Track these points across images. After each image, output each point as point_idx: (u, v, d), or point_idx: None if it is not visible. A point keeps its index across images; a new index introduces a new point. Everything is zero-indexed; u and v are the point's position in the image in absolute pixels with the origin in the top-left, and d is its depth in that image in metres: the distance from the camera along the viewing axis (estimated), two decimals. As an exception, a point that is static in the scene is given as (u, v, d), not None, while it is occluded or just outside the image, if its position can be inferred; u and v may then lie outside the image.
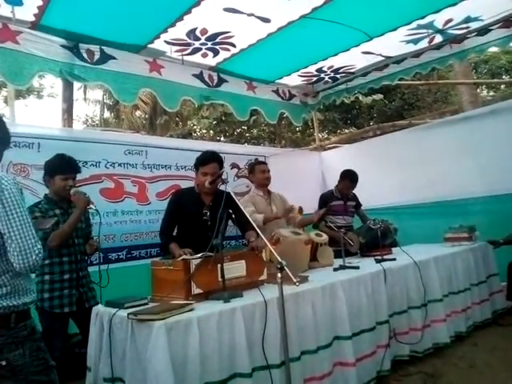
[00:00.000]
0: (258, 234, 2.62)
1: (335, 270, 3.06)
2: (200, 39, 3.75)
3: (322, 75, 5.01)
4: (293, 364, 2.18)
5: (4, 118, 1.78)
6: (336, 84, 5.31)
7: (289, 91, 5.32)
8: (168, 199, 3.44)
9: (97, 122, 17.01)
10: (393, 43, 4.21)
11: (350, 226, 4.27)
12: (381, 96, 10.74)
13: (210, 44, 3.86)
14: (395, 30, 3.89)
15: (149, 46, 3.77)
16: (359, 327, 2.69)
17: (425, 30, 4.02)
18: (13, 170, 3.28)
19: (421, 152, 4.93)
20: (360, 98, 9.20)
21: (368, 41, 4.06)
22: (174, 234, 3.15)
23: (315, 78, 5.13)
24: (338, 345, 2.55)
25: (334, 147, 6.87)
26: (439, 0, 3.51)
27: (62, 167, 2.70)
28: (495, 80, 12.92)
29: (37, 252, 1.53)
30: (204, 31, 3.61)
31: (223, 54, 4.10)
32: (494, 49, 7.20)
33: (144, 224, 4.05)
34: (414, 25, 3.86)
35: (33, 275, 1.79)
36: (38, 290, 2.49)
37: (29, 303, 1.60)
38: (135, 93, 3.89)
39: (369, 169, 4.72)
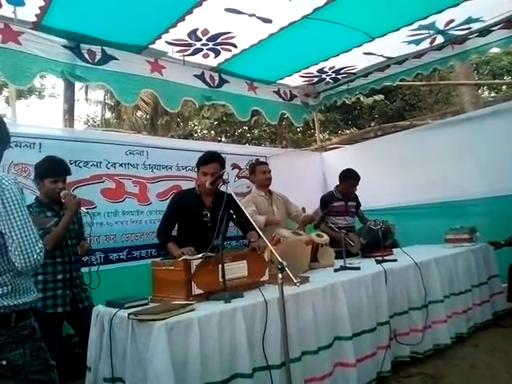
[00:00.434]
0: (259, 234, 2.63)
1: (336, 270, 3.05)
2: (201, 40, 3.75)
3: (324, 76, 5.02)
4: (293, 364, 2.17)
5: (5, 119, 1.78)
6: (337, 85, 5.32)
7: (290, 92, 5.32)
8: (169, 199, 3.44)
9: (98, 123, 17.02)
10: (394, 44, 4.21)
11: (352, 227, 4.26)
12: (382, 97, 10.73)
13: (211, 44, 3.86)
14: (397, 30, 3.89)
15: (150, 46, 3.77)
16: (360, 328, 2.69)
17: (426, 31, 4.02)
18: (14, 169, 3.29)
19: (422, 153, 4.93)
20: (361, 98, 9.20)
21: (369, 41, 4.06)
22: (174, 234, 3.15)
23: (316, 79, 5.13)
24: (338, 345, 2.54)
25: (335, 148, 6.87)
26: (441, 1, 3.51)
27: (51, 170, 2.69)
28: (496, 81, 12.89)
29: (38, 251, 1.54)
30: (205, 32, 3.62)
31: (224, 55, 4.11)
32: (495, 50, 7.19)
33: (145, 224, 4.06)
34: (415, 25, 3.86)
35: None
36: None
37: (29, 303, 1.60)
38: (136, 93, 3.90)
39: (370, 169, 4.71)
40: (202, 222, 3.00)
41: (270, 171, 3.99)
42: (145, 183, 4.12)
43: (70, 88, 9.94)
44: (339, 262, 3.22)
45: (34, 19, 3.16)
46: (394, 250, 3.67)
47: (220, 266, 2.28)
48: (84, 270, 2.86)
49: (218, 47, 3.93)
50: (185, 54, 4.00)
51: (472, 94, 8.94)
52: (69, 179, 2.85)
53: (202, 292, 2.26)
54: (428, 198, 4.79)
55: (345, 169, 4.32)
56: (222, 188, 3.00)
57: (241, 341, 2.07)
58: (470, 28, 4.08)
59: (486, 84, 12.88)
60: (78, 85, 11.31)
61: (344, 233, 3.49)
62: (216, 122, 12.74)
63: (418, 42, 4.28)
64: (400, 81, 5.03)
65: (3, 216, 1.50)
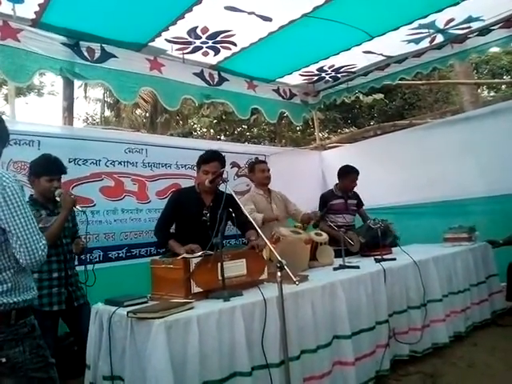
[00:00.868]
0: (258, 233, 2.63)
1: (335, 269, 3.06)
2: (201, 38, 3.74)
3: (323, 74, 5.01)
4: (292, 363, 2.18)
5: (4, 116, 1.78)
6: (337, 83, 5.31)
7: (289, 90, 5.31)
8: (168, 197, 3.44)
9: (97, 121, 17.00)
10: (394, 43, 4.21)
11: (351, 225, 4.26)
12: (381, 96, 10.74)
13: (210, 42, 3.85)
14: (396, 29, 3.88)
15: (150, 44, 3.76)
16: (359, 327, 2.69)
17: (426, 30, 4.02)
18: (13, 167, 3.28)
19: (421, 152, 4.93)
20: (361, 97, 9.21)
21: (369, 40, 4.05)
22: (172, 231, 3.15)
23: (316, 77, 5.12)
24: (337, 344, 2.55)
25: (334, 147, 6.87)
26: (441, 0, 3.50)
27: (47, 168, 2.67)
28: (496, 80, 12.91)
29: (42, 247, 1.55)
30: (205, 30, 3.61)
31: (224, 53, 4.10)
32: (495, 49, 7.18)
33: (144, 222, 4.05)
34: (415, 24, 3.85)
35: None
36: None
37: (29, 300, 1.60)
38: (135, 91, 3.89)
39: (369, 168, 4.71)
40: (201, 220, 3.00)
41: (268, 170, 4.00)
42: (144, 181, 4.12)
43: (69, 86, 9.92)
44: (338, 261, 3.23)
45: (33, 16, 3.15)
46: (393, 249, 3.67)
47: (219, 264, 2.28)
48: (81, 268, 2.85)
49: (218, 45, 3.92)
50: (184, 51, 3.99)
51: (471, 94, 8.95)
52: (68, 177, 2.85)
53: (201, 290, 2.26)
54: (427, 197, 4.79)
55: (342, 165, 4.32)
56: (222, 187, 3.00)
57: (240, 339, 2.07)
58: (469, 27, 4.07)
59: (485, 83, 12.88)
60: (77, 82, 11.30)
61: (343, 231, 3.49)
62: (215, 121, 12.75)
63: (417, 41, 4.27)
64: (400, 80, 5.04)
65: (6, 213, 1.50)
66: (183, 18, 3.34)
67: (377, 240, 3.49)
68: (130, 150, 4.07)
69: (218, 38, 3.78)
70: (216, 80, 4.46)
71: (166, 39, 3.70)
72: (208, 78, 4.39)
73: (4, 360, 1.50)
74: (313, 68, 4.76)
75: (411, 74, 4.80)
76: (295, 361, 2.26)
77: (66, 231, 2.73)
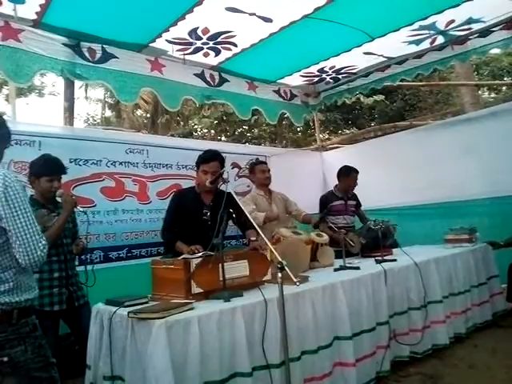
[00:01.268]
0: (258, 233, 2.63)
1: (336, 270, 3.06)
2: (202, 38, 3.74)
3: (324, 75, 5.01)
4: (293, 364, 2.18)
5: (4, 116, 1.78)
6: (337, 84, 5.31)
7: (290, 91, 5.31)
8: (169, 199, 3.44)
9: (98, 121, 17.01)
10: (394, 44, 4.21)
11: (351, 226, 4.26)
12: (382, 97, 10.76)
13: (211, 43, 3.86)
14: (397, 30, 3.89)
15: (150, 44, 3.76)
16: (359, 327, 2.69)
17: (427, 31, 4.02)
18: (14, 167, 3.27)
19: (422, 153, 4.93)
20: (361, 98, 9.21)
21: (370, 41, 4.05)
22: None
23: (317, 79, 5.13)
24: (338, 345, 2.55)
25: (335, 148, 6.87)
26: (441, 1, 3.51)
27: (47, 168, 2.67)
28: (497, 82, 12.90)
29: (41, 248, 1.55)
30: (206, 30, 3.61)
31: (225, 54, 4.10)
32: (495, 50, 7.20)
33: (144, 223, 4.05)
34: (415, 26, 3.85)
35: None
36: None
37: (31, 300, 1.61)
38: (136, 92, 3.89)
39: (370, 169, 4.71)
40: (201, 220, 3.00)
41: (269, 171, 4.00)
42: (145, 182, 4.12)
43: (69, 86, 9.95)
44: (339, 262, 3.23)
45: (35, 17, 3.16)
46: (394, 250, 3.67)
47: (220, 265, 2.28)
48: (81, 268, 2.85)
49: (219, 46, 3.93)
50: (185, 52, 3.99)
51: (472, 95, 8.95)
52: (69, 177, 2.85)
53: (202, 291, 2.26)
54: (428, 199, 4.79)
55: (342, 166, 4.33)
56: (222, 187, 3.00)
57: (240, 340, 2.07)
58: (470, 28, 4.07)
59: (486, 85, 12.87)
60: (77, 83, 11.32)
61: (344, 232, 3.49)
62: (216, 122, 12.76)
63: (418, 43, 4.27)
64: (400, 81, 5.03)
65: (7, 213, 1.51)
66: (184, 18, 3.34)
67: (377, 241, 3.49)
68: (131, 151, 4.08)
69: (219, 39, 3.78)
70: (217, 81, 4.46)
71: (166, 40, 3.70)
72: (209, 79, 4.39)
73: (6, 359, 1.50)
74: (313, 69, 4.76)
75: (412, 76, 4.80)
76: (296, 361, 2.26)
77: (66, 231, 2.73)
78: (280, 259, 2.03)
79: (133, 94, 3.86)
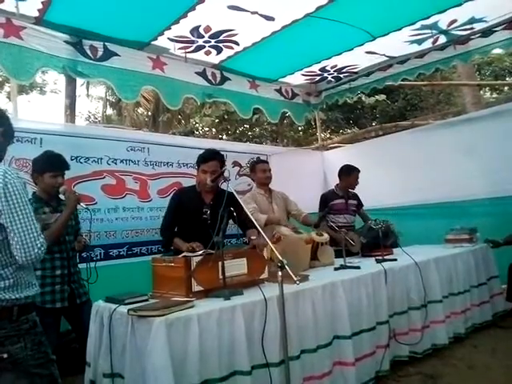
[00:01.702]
0: (259, 232, 2.63)
1: (336, 269, 3.06)
2: (203, 37, 3.75)
3: (326, 74, 5.01)
4: (292, 363, 2.18)
5: (7, 113, 1.78)
6: (339, 84, 5.31)
7: (291, 90, 5.31)
8: (169, 197, 3.44)
9: (99, 119, 17.01)
10: (396, 43, 4.21)
11: (352, 226, 4.27)
12: (384, 96, 10.74)
13: (213, 42, 3.86)
14: (399, 30, 3.89)
15: (152, 42, 3.77)
16: (359, 327, 2.69)
17: (429, 31, 4.02)
18: (15, 164, 3.28)
19: (423, 153, 4.93)
20: (363, 98, 9.20)
21: (372, 41, 4.06)
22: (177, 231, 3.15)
23: (318, 78, 5.13)
24: (337, 344, 2.55)
25: (336, 147, 6.87)
26: (444, 0, 3.50)
27: (51, 164, 2.67)
28: (498, 82, 12.86)
29: (39, 245, 1.54)
30: (208, 29, 3.61)
31: (226, 52, 4.10)
32: (497, 50, 7.17)
33: (145, 221, 4.05)
34: (418, 25, 3.85)
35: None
36: None
37: (31, 297, 1.61)
38: (137, 90, 3.90)
39: (371, 169, 4.71)
40: (201, 219, 3.00)
41: (269, 170, 3.99)
42: (145, 180, 4.12)
43: (71, 84, 9.95)
44: (339, 261, 3.23)
45: (37, 14, 3.16)
46: (394, 250, 3.67)
47: (220, 263, 2.29)
48: (83, 265, 2.86)
49: (220, 44, 3.93)
50: (187, 50, 3.99)
51: (474, 95, 8.92)
52: (70, 175, 2.85)
53: (202, 289, 2.27)
54: (428, 198, 4.78)
55: (343, 165, 4.33)
56: (223, 186, 3.00)
57: (240, 338, 2.07)
58: (472, 28, 4.07)
59: (488, 85, 12.85)
60: (79, 81, 11.30)
61: (344, 232, 3.49)
62: (217, 120, 12.74)
63: (420, 42, 4.27)
64: (402, 80, 5.03)
65: (6, 210, 1.51)
66: (186, 16, 3.35)
67: (378, 240, 3.49)
68: (132, 149, 4.08)
69: (221, 37, 3.78)
70: (218, 79, 4.46)
71: (168, 38, 3.71)
72: (210, 78, 4.39)
73: (6, 356, 1.50)
74: (315, 68, 4.76)
75: (414, 75, 4.80)
76: (295, 360, 2.26)
77: (69, 228, 2.73)
78: (280, 258, 2.03)
79: (134, 92, 3.87)
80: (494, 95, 14.29)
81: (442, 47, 4.38)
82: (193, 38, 3.76)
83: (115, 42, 3.66)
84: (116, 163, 3.94)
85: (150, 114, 15.29)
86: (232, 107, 4.87)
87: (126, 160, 4.01)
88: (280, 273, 2.01)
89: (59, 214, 2.60)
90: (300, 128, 13.62)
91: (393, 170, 5.13)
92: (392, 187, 5.05)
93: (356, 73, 5.02)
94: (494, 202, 4.32)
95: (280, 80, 5.05)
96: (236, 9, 3.31)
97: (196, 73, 4.28)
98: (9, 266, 1.54)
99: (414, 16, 3.70)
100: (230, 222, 2.94)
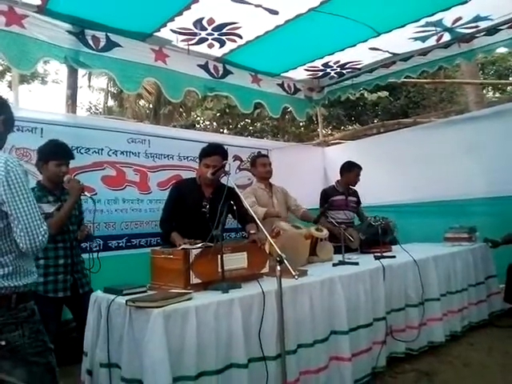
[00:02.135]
0: (258, 226, 2.63)
1: (334, 265, 3.06)
2: (207, 29, 3.72)
3: (328, 70, 4.99)
4: (289, 357, 2.19)
5: (8, 102, 1.78)
6: (342, 79, 5.29)
7: (294, 85, 5.29)
8: (169, 189, 3.44)
9: (100, 110, 16.96)
10: (400, 40, 4.18)
11: (351, 222, 4.27)
12: (386, 93, 10.70)
13: (216, 34, 3.83)
14: (403, 26, 3.86)
15: (155, 34, 3.74)
16: (356, 323, 2.70)
17: (433, 28, 3.99)
18: (15, 154, 3.27)
19: (424, 151, 4.92)
20: (365, 94, 9.16)
21: (375, 37, 4.03)
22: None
23: (321, 73, 5.10)
24: (334, 339, 2.55)
25: (337, 143, 6.87)
26: (449, -3, 3.48)
27: (56, 153, 2.68)
28: (502, 81, 12.83)
29: (43, 233, 1.55)
30: (211, 21, 3.59)
31: (229, 45, 4.08)
32: (502, 49, 7.14)
33: (145, 213, 4.05)
34: (422, 22, 3.83)
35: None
36: None
37: (29, 285, 1.61)
38: (139, 82, 3.88)
39: (371, 166, 4.71)
40: (200, 212, 3.00)
41: (270, 164, 3.99)
42: (146, 172, 4.12)
43: (73, 74, 9.91)
44: (338, 257, 3.23)
45: (39, 3, 3.13)
46: (393, 247, 3.68)
47: (219, 256, 2.29)
48: (85, 255, 2.86)
49: (224, 37, 3.90)
50: (190, 43, 3.96)
51: (477, 94, 8.90)
52: (70, 165, 2.84)
53: (200, 281, 2.27)
54: (429, 196, 4.79)
55: (345, 161, 4.33)
56: (223, 179, 2.99)
57: (237, 331, 2.08)
58: (477, 26, 4.04)
59: (491, 84, 12.81)
60: (81, 71, 11.28)
61: (343, 228, 3.50)
62: (219, 114, 12.71)
63: (424, 39, 4.24)
64: (405, 78, 5.01)
65: (8, 197, 1.51)
66: (189, 8, 3.32)
67: (377, 237, 3.50)
68: (133, 140, 4.07)
69: (224, 30, 3.76)
70: (220, 72, 4.44)
71: (171, 30, 3.68)
72: (212, 71, 4.37)
73: (3, 343, 1.51)
74: (318, 63, 4.73)
75: (417, 73, 4.78)
76: (292, 354, 2.27)
77: (72, 218, 2.73)
78: (279, 252, 2.03)
79: (136, 84, 3.85)
80: (497, 94, 14.24)
81: (446, 45, 4.36)
82: (196, 31, 3.73)
83: (118, 32, 3.63)
84: (116, 155, 3.93)
85: (151, 106, 15.26)
86: (233, 101, 4.85)
87: (126, 152, 4.00)
88: (279, 267, 2.02)
89: (59, 204, 2.60)
90: (301, 123, 13.59)
91: (393, 168, 5.13)
92: (392, 184, 5.05)
93: (359, 69, 4.99)
94: (494, 201, 4.32)
95: (282, 75, 5.03)
96: (240, 1, 3.29)
97: (198, 65, 4.26)
98: (8, 254, 1.55)
99: (419, 13, 3.67)
100: (229, 216, 2.94)
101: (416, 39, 4.23)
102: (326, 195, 4.26)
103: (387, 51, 4.52)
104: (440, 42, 4.32)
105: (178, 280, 2.24)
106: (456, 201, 4.60)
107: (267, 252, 2.61)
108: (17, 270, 1.56)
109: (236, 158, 4.92)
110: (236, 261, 2.40)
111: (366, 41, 4.13)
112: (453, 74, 12.35)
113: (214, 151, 3.06)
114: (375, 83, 5.15)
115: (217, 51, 4.20)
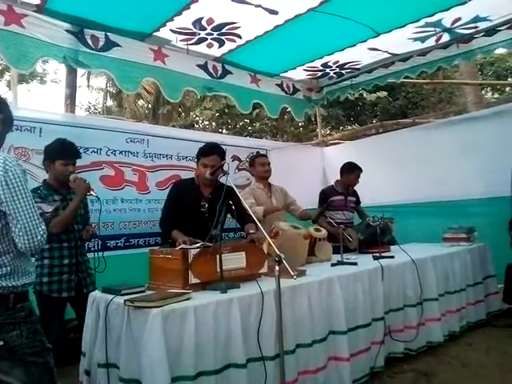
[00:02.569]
0: (257, 226, 2.62)
1: (333, 265, 3.06)
2: (206, 29, 3.72)
3: (327, 70, 4.99)
4: (287, 356, 2.19)
5: (6, 101, 1.77)
6: (341, 80, 5.29)
7: (293, 85, 5.29)
8: (168, 189, 3.44)
9: (99, 110, 16.94)
10: (400, 40, 4.19)
11: (350, 222, 4.27)
12: (385, 93, 10.69)
13: (215, 34, 3.83)
14: (403, 27, 3.86)
15: (154, 34, 3.74)
16: (355, 323, 2.70)
17: (432, 28, 3.99)
18: (14, 153, 3.27)
19: (423, 151, 4.92)
20: (364, 95, 9.15)
21: (375, 37, 4.03)
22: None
23: (320, 73, 5.10)
24: (333, 339, 2.55)
25: (336, 143, 6.86)
26: (448, -2, 3.48)
27: (63, 152, 2.68)
28: (500, 82, 12.84)
29: (41, 233, 1.55)
30: (210, 21, 3.58)
31: (229, 45, 4.08)
32: (500, 50, 7.16)
33: (143, 213, 4.05)
34: (421, 22, 3.83)
35: (32, 259, 1.79)
36: (37, 273, 2.48)
37: (27, 285, 1.61)
38: (138, 81, 3.87)
39: (370, 166, 4.70)
40: (199, 212, 3.00)
41: (269, 164, 3.99)
42: (144, 172, 4.11)
43: (71, 74, 9.89)
44: (336, 257, 3.23)
45: (38, 2, 3.13)
46: (392, 247, 3.68)
47: (218, 256, 2.29)
48: (90, 255, 2.86)
49: (223, 37, 3.90)
50: (189, 42, 3.96)
51: (475, 95, 8.91)
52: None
53: (199, 281, 2.27)
54: (427, 197, 4.79)
55: (346, 162, 4.33)
56: (222, 179, 2.99)
57: (236, 331, 2.08)
58: (476, 27, 4.05)
59: (489, 84, 12.83)
60: (80, 71, 11.26)
61: (342, 228, 3.50)
62: (217, 114, 12.70)
63: (423, 40, 4.25)
64: (404, 78, 5.01)
65: (7, 196, 1.50)
66: (189, 8, 3.32)
67: (375, 237, 3.50)
68: (132, 140, 4.07)
69: (223, 30, 3.76)
70: (219, 72, 4.43)
71: (170, 29, 3.68)
72: (211, 71, 4.37)
73: (1, 343, 1.50)
74: (317, 63, 4.73)
75: (416, 73, 4.79)
76: (290, 354, 2.26)
77: (78, 217, 2.73)
78: (278, 252, 2.03)
79: (135, 84, 3.85)
80: (496, 95, 14.26)
81: (445, 45, 4.36)
82: (195, 30, 3.73)
83: (117, 32, 3.63)
84: (115, 154, 3.93)
85: (150, 106, 15.24)
86: (232, 101, 4.84)
87: (125, 151, 4.00)
88: (277, 267, 2.02)
89: (57, 204, 2.60)
90: (300, 124, 13.59)
91: (392, 168, 5.13)
92: (391, 185, 5.06)
93: (358, 69, 4.99)
94: (493, 202, 4.32)
95: (282, 75, 5.03)
96: (239, 1, 3.29)
97: (197, 65, 4.26)
98: (6, 254, 1.54)
99: (418, 13, 3.68)
100: (228, 215, 2.94)
101: (415, 39, 4.23)
102: (325, 195, 4.26)
103: (386, 51, 4.52)
104: (439, 42, 4.33)
105: (176, 280, 2.23)
106: (454, 201, 4.60)
107: (266, 252, 2.61)
108: (15, 270, 1.56)
109: (235, 158, 4.92)
110: (235, 261, 2.40)
111: (365, 41, 4.13)
112: (452, 75, 12.36)
113: (212, 151, 3.05)
114: (374, 83, 5.16)
115: (216, 51, 4.20)
